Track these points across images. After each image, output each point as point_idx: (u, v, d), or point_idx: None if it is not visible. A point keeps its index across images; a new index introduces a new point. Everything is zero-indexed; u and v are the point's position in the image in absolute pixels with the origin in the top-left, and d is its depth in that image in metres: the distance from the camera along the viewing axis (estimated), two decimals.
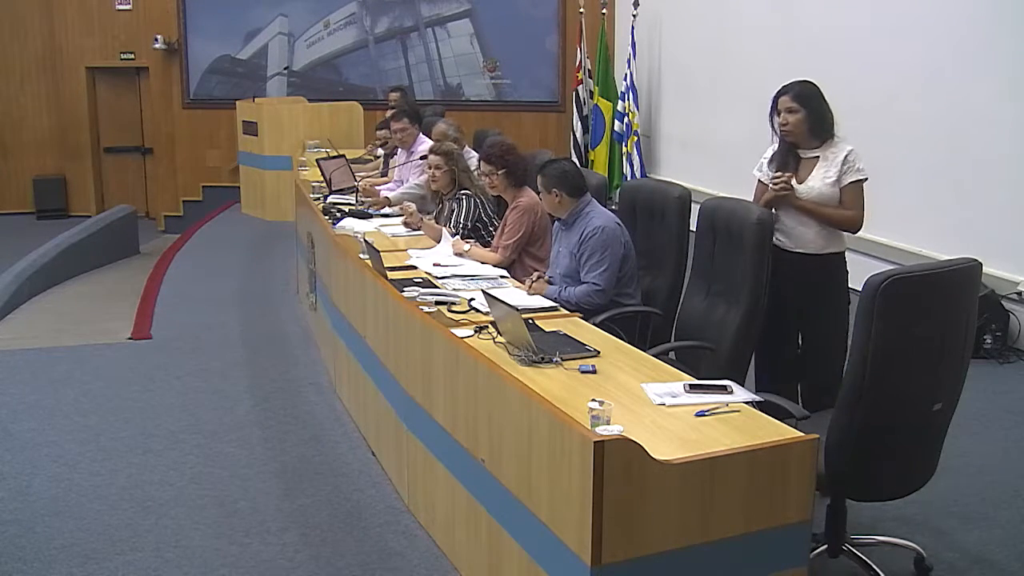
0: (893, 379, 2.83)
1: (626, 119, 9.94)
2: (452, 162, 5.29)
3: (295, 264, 7.46)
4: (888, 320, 2.76)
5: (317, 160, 7.09)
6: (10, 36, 12.92)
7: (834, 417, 2.92)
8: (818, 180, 3.82)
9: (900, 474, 3.04)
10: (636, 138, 9.85)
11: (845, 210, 3.81)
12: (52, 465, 4.36)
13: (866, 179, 3.80)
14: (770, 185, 3.88)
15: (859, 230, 3.88)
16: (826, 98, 3.85)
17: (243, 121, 10.83)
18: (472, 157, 5.84)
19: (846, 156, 3.78)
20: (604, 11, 10.76)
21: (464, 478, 3.28)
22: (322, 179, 6.67)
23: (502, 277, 4.42)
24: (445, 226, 5.16)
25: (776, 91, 3.91)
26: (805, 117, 3.80)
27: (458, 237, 5.02)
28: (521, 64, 11.95)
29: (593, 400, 2.63)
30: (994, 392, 5.14)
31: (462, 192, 5.25)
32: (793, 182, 3.84)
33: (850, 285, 3.86)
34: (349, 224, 5.47)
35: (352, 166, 7.11)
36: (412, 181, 6.40)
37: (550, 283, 4.33)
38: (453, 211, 5.23)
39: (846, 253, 3.96)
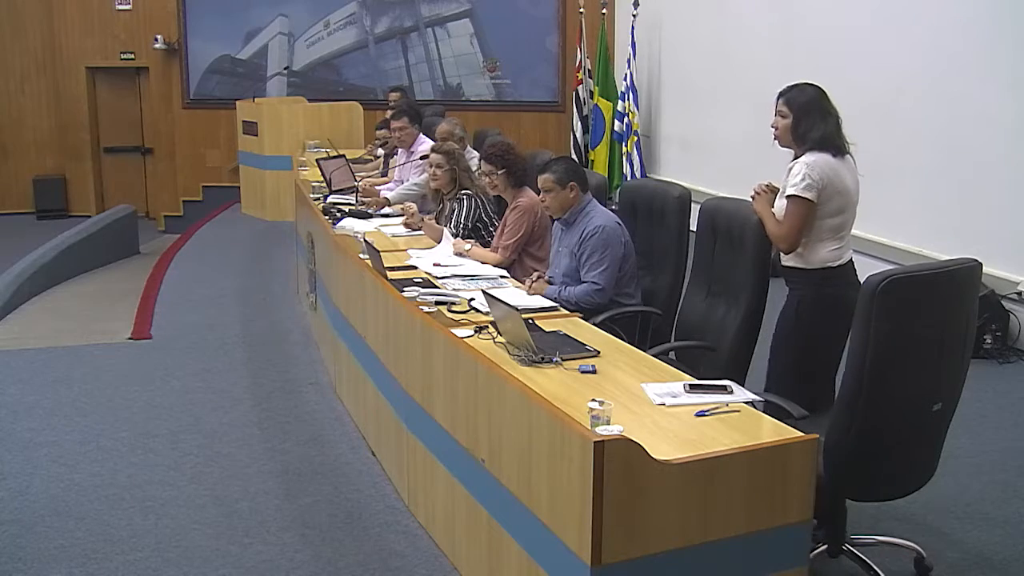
0: (892, 379, 2.83)
1: (626, 119, 9.94)
2: (453, 161, 5.29)
3: (295, 264, 7.46)
4: (887, 320, 2.76)
5: (317, 160, 7.10)
6: (10, 36, 12.92)
7: (833, 417, 2.92)
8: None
9: (900, 474, 3.04)
10: (636, 138, 9.85)
11: (776, 224, 3.61)
12: (52, 465, 4.36)
13: (804, 199, 3.51)
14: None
15: (785, 250, 3.62)
16: (825, 106, 3.62)
17: (243, 121, 10.83)
18: (473, 157, 5.84)
19: (792, 168, 3.57)
20: (604, 11, 10.76)
21: (464, 478, 3.28)
22: (322, 179, 6.67)
23: (502, 277, 4.42)
24: (446, 226, 5.16)
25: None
26: (792, 123, 3.62)
27: (458, 237, 5.02)
28: (521, 64, 11.95)
29: (593, 400, 2.63)
30: (994, 392, 5.14)
31: (463, 192, 5.25)
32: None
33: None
34: (349, 224, 5.47)
35: (352, 166, 7.11)
36: (411, 180, 6.40)
37: (550, 283, 4.33)
38: (454, 211, 5.23)
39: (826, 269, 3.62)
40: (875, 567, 3.14)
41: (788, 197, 3.56)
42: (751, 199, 3.76)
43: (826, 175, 3.54)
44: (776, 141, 3.73)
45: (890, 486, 3.07)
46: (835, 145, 3.59)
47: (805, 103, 3.62)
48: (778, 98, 3.70)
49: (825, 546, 3.19)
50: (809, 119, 3.60)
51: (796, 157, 3.66)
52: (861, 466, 2.94)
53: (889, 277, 2.74)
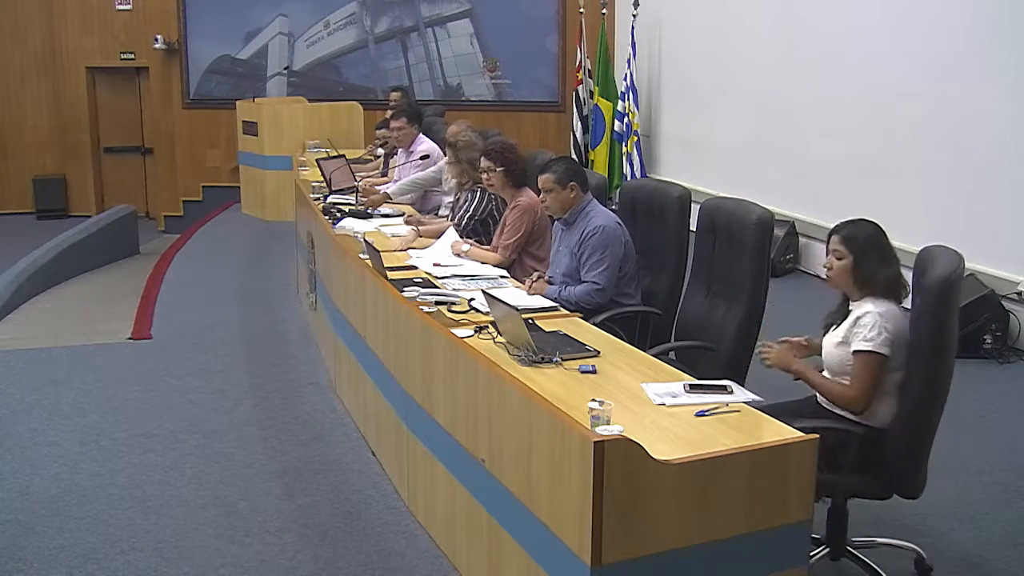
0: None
1: (626, 119, 9.94)
2: (457, 152, 5.30)
3: (295, 264, 7.46)
4: None
5: (317, 160, 7.09)
6: (10, 36, 12.92)
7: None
8: (829, 339, 3.23)
9: (901, 471, 3.04)
10: (636, 138, 9.85)
11: (841, 384, 3.12)
12: (52, 465, 4.35)
13: (880, 355, 3.03)
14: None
15: (860, 412, 3.07)
16: (885, 246, 3.20)
17: (243, 121, 10.83)
18: None
19: (859, 318, 3.09)
20: (604, 11, 10.76)
21: (464, 478, 3.28)
22: (322, 179, 6.67)
23: (502, 277, 4.42)
24: (457, 215, 5.17)
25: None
26: (851, 265, 3.15)
27: (457, 238, 5.00)
28: (521, 64, 11.95)
29: (593, 400, 2.63)
30: (994, 392, 5.14)
31: (477, 184, 5.23)
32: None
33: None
34: (349, 224, 5.47)
35: (352, 166, 7.10)
36: (411, 176, 6.41)
37: (550, 283, 4.33)
38: (466, 201, 5.23)
39: None
40: (876, 568, 3.14)
41: (862, 352, 3.07)
42: (762, 357, 3.31)
43: (899, 327, 3.09)
44: (827, 282, 3.29)
45: (891, 485, 3.07)
46: (899, 294, 3.18)
47: (864, 241, 3.18)
48: (831, 234, 3.26)
49: (827, 549, 3.19)
50: (871, 261, 3.16)
51: (851, 300, 3.22)
52: (863, 463, 2.94)
53: None
